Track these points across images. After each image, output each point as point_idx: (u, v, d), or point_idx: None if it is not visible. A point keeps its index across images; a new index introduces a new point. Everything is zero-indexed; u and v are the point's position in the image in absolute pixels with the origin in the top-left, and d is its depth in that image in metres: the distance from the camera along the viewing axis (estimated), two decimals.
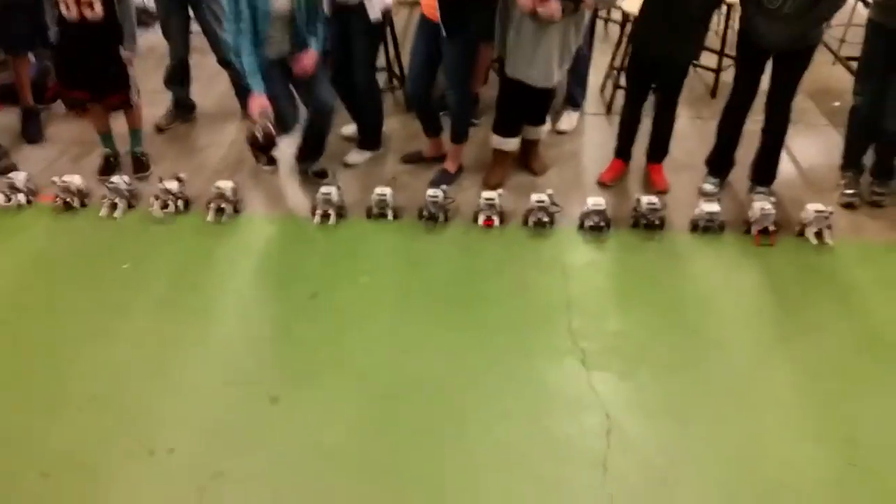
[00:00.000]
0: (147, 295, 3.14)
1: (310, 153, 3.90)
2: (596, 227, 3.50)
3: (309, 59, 3.44)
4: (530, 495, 2.36)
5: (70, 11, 3.45)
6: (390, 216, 3.59)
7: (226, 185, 3.57)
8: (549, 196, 3.52)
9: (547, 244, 3.48)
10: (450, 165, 3.95)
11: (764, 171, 3.79)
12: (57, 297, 3.14)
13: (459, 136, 3.88)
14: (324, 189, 3.56)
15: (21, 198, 3.63)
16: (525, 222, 3.56)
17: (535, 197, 3.52)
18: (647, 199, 3.52)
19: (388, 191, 3.59)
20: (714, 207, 3.50)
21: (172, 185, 3.57)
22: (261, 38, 3.31)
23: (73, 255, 3.39)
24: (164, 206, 3.56)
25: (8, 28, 4.01)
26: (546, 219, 3.52)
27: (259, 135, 3.34)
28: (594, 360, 2.84)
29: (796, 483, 2.40)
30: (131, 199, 3.63)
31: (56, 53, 3.78)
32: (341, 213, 3.59)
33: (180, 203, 3.60)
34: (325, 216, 3.55)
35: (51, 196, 3.65)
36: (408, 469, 2.44)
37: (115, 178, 3.61)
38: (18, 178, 3.64)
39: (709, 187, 3.82)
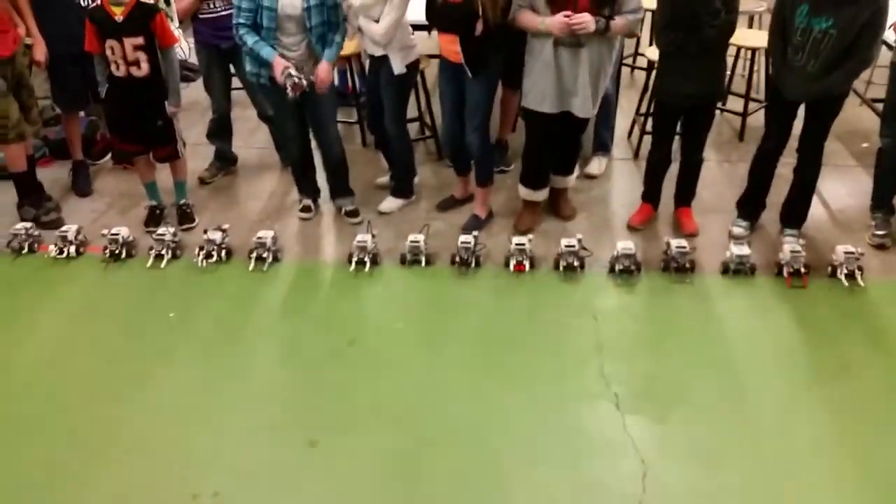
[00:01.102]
0: (190, 342, 3.25)
1: (336, 187, 4.10)
2: (626, 270, 3.55)
3: (323, 72, 3.60)
4: None
5: (119, 70, 3.65)
6: (423, 262, 3.68)
7: (266, 234, 3.72)
8: (579, 241, 3.60)
9: (578, 288, 3.53)
10: (480, 210, 4.05)
11: (794, 214, 3.83)
12: (104, 344, 3.25)
13: (486, 179, 3.98)
14: (359, 237, 3.67)
15: (72, 249, 3.78)
16: (556, 267, 3.62)
17: (564, 241, 3.60)
18: (676, 243, 3.58)
19: (420, 238, 3.70)
20: (744, 250, 3.53)
21: (216, 236, 3.72)
22: (267, 38, 3.52)
23: (120, 304, 3.52)
24: (209, 255, 3.71)
25: (65, 86, 4.24)
26: (576, 263, 3.59)
27: (291, 93, 3.53)
28: (628, 403, 2.86)
29: None
30: (176, 250, 3.79)
31: (106, 108, 3.99)
32: (376, 260, 3.69)
33: (223, 253, 3.73)
34: (361, 263, 3.66)
35: (100, 248, 3.80)
36: None
37: (161, 230, 3.77)
38: (70, 230, 3.80)
39: (738, 230, 3.86)
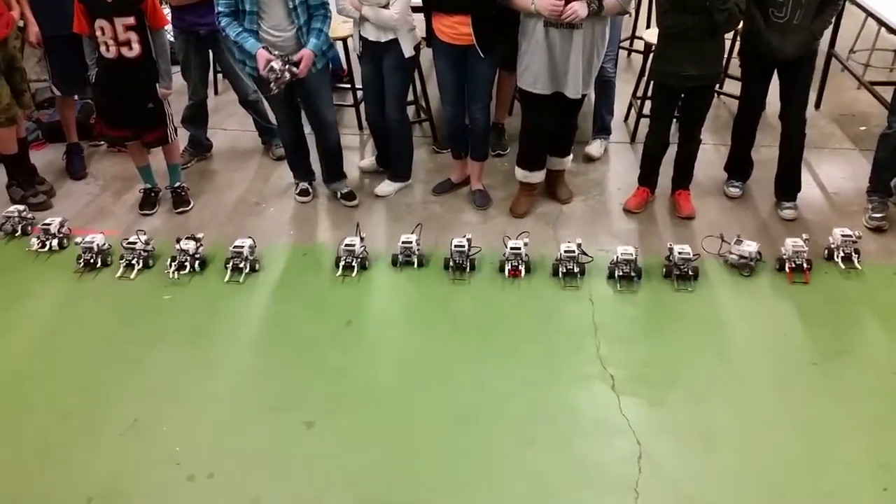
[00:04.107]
0: (182, 326, 3.24)
1: (331, 172, 4.09)
2: (626, 276, 3.38)
3: (303, 61, 3.50)
4: None
5: (109, 51, 3.60)
6: (416, 264, 3.53)
7: (244, 243, 3.52)
8: (579, 245, 3.44)
9: (577, 293, 3.37)
10: (479, 184, 4.09)
11: (789, 184, 3.88)
12: (95, 329, 3.24)
13: (484, 154, 4.04)
14: (347, 240, 3.52)
15: (55, 243, 3.70)
16: (554, 273, 3.45)
17: (564, 246, 3.44)
18: (679, 249, 3.39)
19: (413, 237, 3.55)
20: (752, 248, 3.42)
21: (189, 246, 3.51)
22: (251, 21, 3.48)
23: (110, 291, 3.48)
24: (181, 267, 3.50)
25: (63, 67, 4.17)
26: (576, 269, 3.42)
27: (275, 88, 3.50)
28: (623, 385, 2.86)
29: None
30: (148, 259, 3.58)
31: (96, 93, 3.94)
32: (364, 264, 3.54)
33: (197, 264, 3.52)
34: (348, 267, 3.51)
35: (90, 231, 3.70)
36: (438, 496, 2.48)
37: (132, 238, 3.58)
38: (53, 223, 3.72)
39: (734, 191, 4.00)
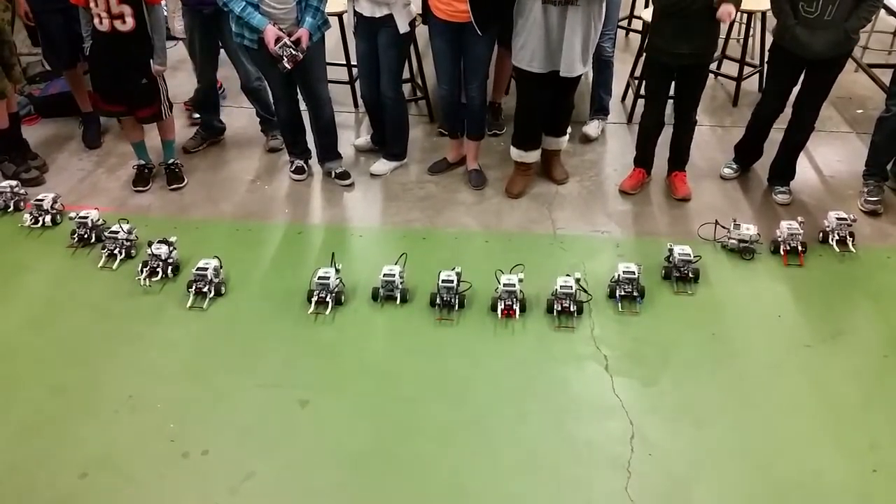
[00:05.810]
0: (178, 302, 3.22)
1: (325, 150, 4.06)
2: (628, 296, 3.18)
3: (301, 38, 3.48)
4: (553, 498, 2.40)
5: (103, 24, 3.56)
6: (399, 300, 3.17)
7: (208, 263, 3.22)
8: (577, 280, 3.12)
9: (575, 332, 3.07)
10: (475, 163, 4.07)
11: (785, 171, 3.88)
12: (89, 305, 3.22)
13: (481, 132, 4.01)
14: (321, 272, 3.16)
15: (48, 219, 3.67)
16: (549, 310, 3.14)
17: (560, 281, 3.12)
18: (679, 249, 3.26)
19: (396, 269, 3.20)
20: (751, 231, 3.42)
21: (162, 250, 3.30)
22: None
23: (103, 268, 3.47)
24: (153, 273, 3.31)
25: (53, 41, 4.13)
26: (573, 308, 3.09)
27: (288, 65, 3.47)
28: (616, 365, 2.88)
29: (817, 488, 2.42)
30: (131, 249, 3.46)
31: (91, 65, 3.90)
32: (339, 299, 3.18)
33: (170, 270, 3.31)
34: (321, 303, 3.15)
35: (82, 207, 3.69)
36: (431, 472, 2.50)
37: (115, 227, 3.46)
38: (46, 199, 3.69)
39: (728, 171, 4.03)
